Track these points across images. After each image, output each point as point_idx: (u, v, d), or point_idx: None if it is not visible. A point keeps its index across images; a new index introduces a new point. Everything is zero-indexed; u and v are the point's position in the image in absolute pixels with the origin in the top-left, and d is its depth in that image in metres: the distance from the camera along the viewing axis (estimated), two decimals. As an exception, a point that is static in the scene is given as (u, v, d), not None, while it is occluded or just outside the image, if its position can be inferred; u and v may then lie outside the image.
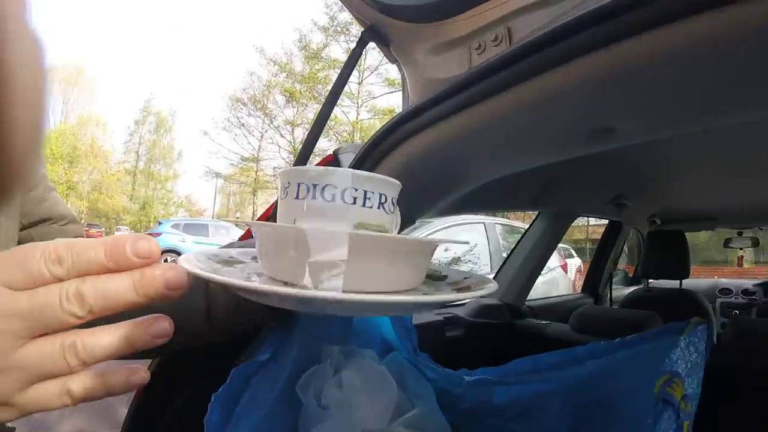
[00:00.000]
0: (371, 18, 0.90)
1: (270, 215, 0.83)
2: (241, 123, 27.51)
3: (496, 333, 1.72)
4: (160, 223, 15.53)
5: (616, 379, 0.81)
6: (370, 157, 0.71)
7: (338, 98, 0.87)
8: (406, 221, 0.90)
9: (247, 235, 0.85)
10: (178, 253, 13.44)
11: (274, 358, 0.72)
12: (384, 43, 0.92)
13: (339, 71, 0.91)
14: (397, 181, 0.46)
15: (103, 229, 31.23)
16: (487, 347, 1.66)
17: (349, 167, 0.73)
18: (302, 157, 0.86)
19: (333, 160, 0.84)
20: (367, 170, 0.73)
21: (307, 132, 0.85)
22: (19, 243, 0.64)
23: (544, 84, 0.50)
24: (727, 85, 0.51)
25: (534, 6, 0.74)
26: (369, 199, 0.42)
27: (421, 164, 0.69)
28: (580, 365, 0.86)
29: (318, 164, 0.87)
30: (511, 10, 0.77)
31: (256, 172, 27.91)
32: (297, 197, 0.43)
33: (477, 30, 0.82)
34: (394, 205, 0.46)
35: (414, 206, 0.86)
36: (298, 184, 0.43)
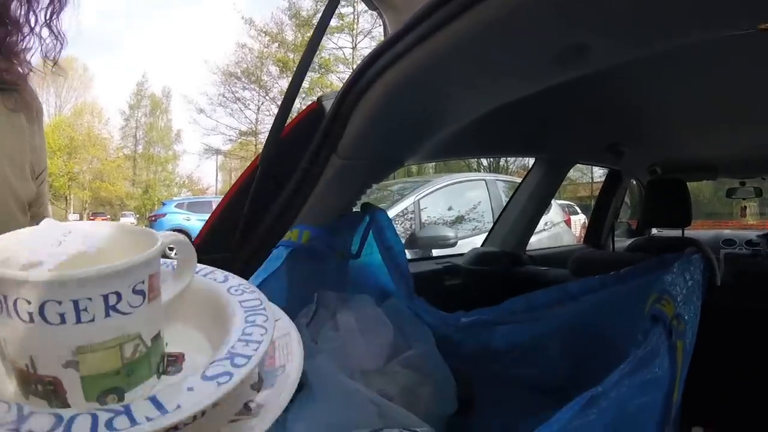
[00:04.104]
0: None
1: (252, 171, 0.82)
2: (236, 97, 27.25)
3: (495, 280, 1.72)
4: (164, 204, 15.54)
5: (611, 313, 0.80)
6: (350, 94, 0.70)
7: (314, 54, 0.85)
8: (395, 163, 0.89)
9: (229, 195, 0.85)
10: (184, 232, 13.44)
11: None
12: (362, -10, 0.89)
13: (328, 36, 0.88)
14: (148, 255, 0.34)
15: (108, 216, 31.29)
16: (487, 295, 1.62)
17: (330, 108, 0.72)
18: (280, 119, 0.84)
19: (317, 107, 0.83)
20: (346, 110, 0.73)
21: (284, 94, 0.83)
22: None
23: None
24: None
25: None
26: (85, 310, 0.31)
27: (399, 97, 0.68)
28: (575, 301, 0.85)
29: (302, 113, 0.85)
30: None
31: (256, 145, 27.73)
32: None
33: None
34: (144, 294, 0.34)
35: (400, 147, 0.85)
36: None
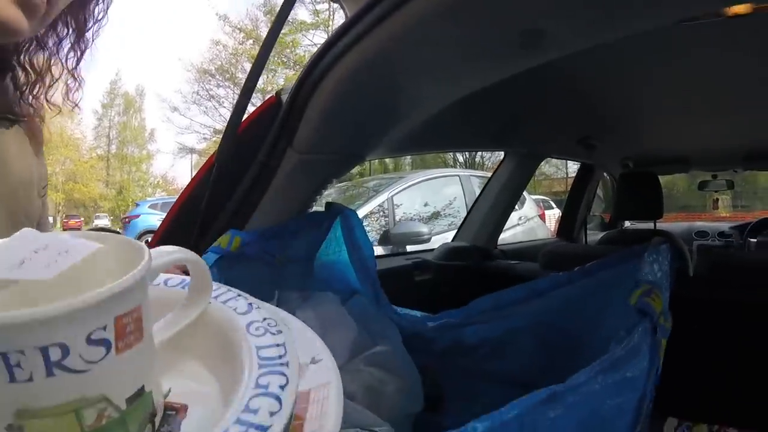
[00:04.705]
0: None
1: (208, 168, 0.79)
2: (210, 95, 26.98)
3: (465, 275, 1.71)
4: (137, 205, 15.30)
5: (581, 308, 0.79)
6: (305, 85, 0.67)
7: (271, 50, 0.81)
8: (355, 158, 0.87)
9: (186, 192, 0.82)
10: (158, 232, 13.28)
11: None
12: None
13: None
14: (110, 291, 0.26)
15: (82, 219, 30.80)
16: (457, 290, 1.62)
17: (286, 99, 0.69)
18: (237, 113, 0.80)
19: (275, 101, 0.80)
20: (301, 103, 0.70)
21: (238, 95, 0.80)
22: None
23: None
24: None
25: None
26: (18, 366, 0.24)
27: (355, 88, 0.66)
28: (544, 297, 0.84)
29: (260, 107, 0.82)
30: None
31: (231, 144, 27.42)
32: None
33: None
34: (108, 344, 0.26)
35: (360, 140, 0.83)
36: None
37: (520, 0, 0.52)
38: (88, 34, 0.71)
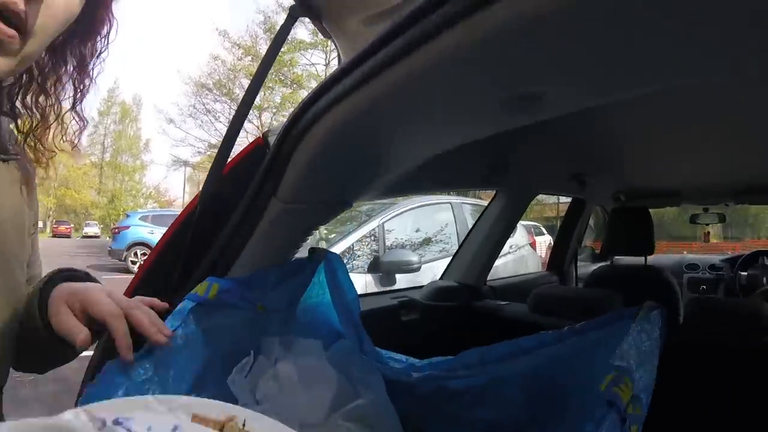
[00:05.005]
0: (301, -10, 0.84)
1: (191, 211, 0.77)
2: (207, 109, 27.06)
3: (453, 315, 1.70)
4: (128, 216, 15.16)
5: (565, 369, 0.77)
6: (291, 133, 0.66)
7: (264, 78, 0.81)
8: (342, 204, 0.85)
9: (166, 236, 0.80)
10: (148, 246, 13.21)
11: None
12: (315, 17, 0.86)
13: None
14: None
15: (72, 225, 30.64)
16: (444, 330, 1.63)
17: (272, 146, 0.68)
18: (222, 155, 0.79)
19: (262, 143, 0.78)
20: (287, 152, 0.68)
21: (231, 120, 0.79)
22: None
23: (454, 41, 0.45)
24: (649, 48, 0.46)
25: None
26: None
27: (343, 139, 0.64)
28: (530, 355, 0.82)
29: (246, 148, 0.81)
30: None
31: (225, 159, 27.43)
32: None
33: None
34: None
35: (347, 188, 0.81)
36: None
37: (519, 66, 0.50)
38: (90, 70, 0.70)
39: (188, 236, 0.77)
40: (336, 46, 0.91)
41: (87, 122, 0.73)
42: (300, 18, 0.86)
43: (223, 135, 0.81)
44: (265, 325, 0.81)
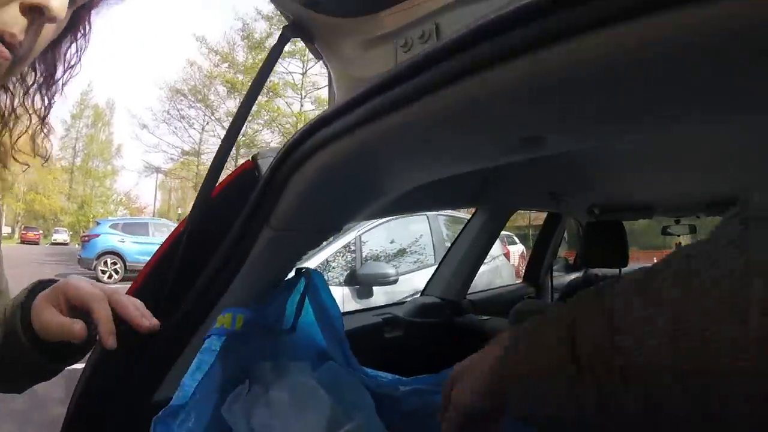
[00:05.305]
0: (294, 11, 0.84)
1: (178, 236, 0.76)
2: (181, 115, 26.79)
3: (436, 331, 1.71)
4: (98, 224, 14.86)
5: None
6: (287, 162, 0.65)
7: (256, 98, 0.80)
8: (332, 230, 0.85)
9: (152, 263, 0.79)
10: (118, 254, 12.96)
11: (196, 393, 0.66)
12: (308, 39, 0.86)
13: (278, 61, 0.84)
14: None
15: (41, 232, 29.88)
16: (428, 346, 1.64)
17: (264, 174, 0.68)
18: (213, 172, 0.79)
19: (252, 167, 0.78)
20: (281, 180, 0.68)
21: (222, 138, 0.78)
22: None
23: (463, 92, 0.46)
24: (657, 97, 0.47)
25: (464, 1, 0.70)
26: None
27: (338, 173, 0.65)
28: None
29: (234, 171, 0.80)
30: (440, 5, 0.73)
31: (198, 166, 27.21)
32: None
33: (404, 26, 0.77)
34: None
35: (338, 215, 0.81)
36: None
37: (524, 113, 0.51)
38: (59, 79, 0.66)
39: (176, 263, 0.76)
40: (327, 69, 0.91)
41: (53, 130, 0.70)
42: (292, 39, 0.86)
43: (212, 159, 0.81)
44: (264, 349, 0.81)
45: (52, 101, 0.67)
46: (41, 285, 0.66)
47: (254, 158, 0.79)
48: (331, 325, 0.88)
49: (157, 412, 0.63)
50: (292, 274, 0.86)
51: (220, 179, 0.80)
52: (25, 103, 0.65)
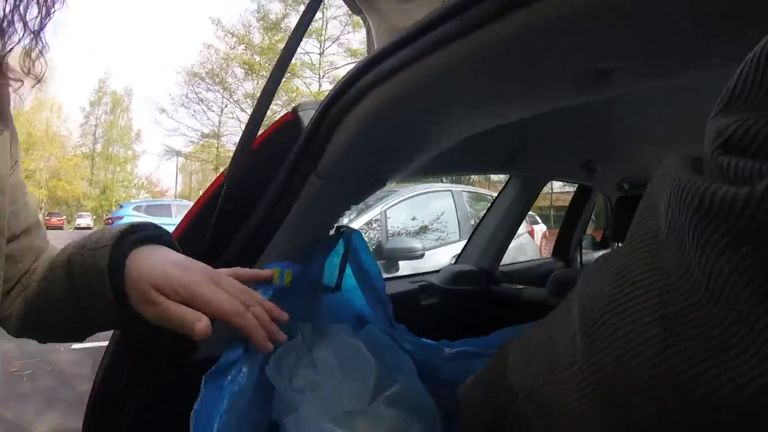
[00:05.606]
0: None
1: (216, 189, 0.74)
2: (199, 98, 26.92)
3: (472, 299, 1.69)
4: (121, 206, 15.08)
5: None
6: (335, 107, 0.63)
7: (291, 58, 0.77)
8: (378, 183, 0.83)
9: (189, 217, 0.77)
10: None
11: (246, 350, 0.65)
12: (346, -8, 0.83)
13: (308, 17, 0.80)
14: None
15: (64, 217, 30.40)
16: (464, 314, 1.63)
17: (312, 119, 0.65)
18: (252, 125, 0.75)
19: (293, 119, 0.76)
20: (329, 126, 0.66)
21: (257, 100, 0.75)
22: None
23: (532, 17, 0.42)
24: (732, 25, 0.44)
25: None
26: None
27: (391, 116, 0.61)
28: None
29: (274, 124, 0.78)
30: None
31: (218, 148, 27.37)
32: None
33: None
34: None
35: (386, 167, 0.78)
36: None
37: (593, 39, 0.48)
38: None
39: (213, 218, 0.74)
40: (366, 23, 0.88)
41: (47, 47, 0.63)
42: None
43: (250, 112, 0.78)
44: (307, 309, 0.80)
45: (51, 12, 0.61)
46: (132, 233, 0.61)
47: (295, 110, 0.76)
48: (372, 287, 0.86)
49: (198, 372, 0.62)
50: (331, 233, 0.84)
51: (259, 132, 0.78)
52: (20, 8, 0.59)
